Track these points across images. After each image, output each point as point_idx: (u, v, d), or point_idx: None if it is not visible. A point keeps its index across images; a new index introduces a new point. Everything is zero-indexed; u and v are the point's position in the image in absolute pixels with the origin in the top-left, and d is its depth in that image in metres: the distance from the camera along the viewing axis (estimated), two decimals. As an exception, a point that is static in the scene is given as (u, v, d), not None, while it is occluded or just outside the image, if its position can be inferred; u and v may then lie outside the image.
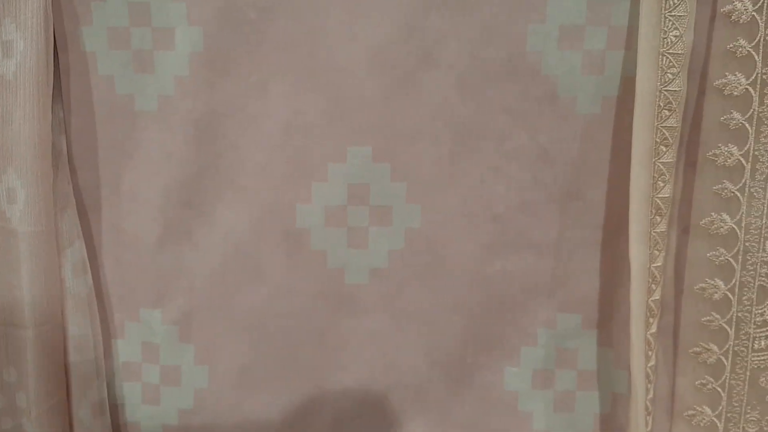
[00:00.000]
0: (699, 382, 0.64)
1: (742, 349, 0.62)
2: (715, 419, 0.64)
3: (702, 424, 0.64)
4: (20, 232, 0.62)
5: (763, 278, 0.61)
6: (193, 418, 0.69)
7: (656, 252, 0.60)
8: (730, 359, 0.62)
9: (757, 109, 0.58)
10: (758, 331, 0.61)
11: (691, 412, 0.65)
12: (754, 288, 0.61)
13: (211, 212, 0.65)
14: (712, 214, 0.60)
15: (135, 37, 0.61)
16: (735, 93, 0.58)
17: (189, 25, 0.60)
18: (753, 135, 0.58)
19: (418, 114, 0.62)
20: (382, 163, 0.63)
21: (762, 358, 0.62)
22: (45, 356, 0.64)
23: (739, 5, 0.56)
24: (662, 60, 0.56)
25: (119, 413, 0.70)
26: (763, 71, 0.57)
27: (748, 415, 0.63)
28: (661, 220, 0.59)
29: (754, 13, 0.56)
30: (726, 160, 0.59)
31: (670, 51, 0.56)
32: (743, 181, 0.59)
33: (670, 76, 0.56)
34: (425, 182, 0.63)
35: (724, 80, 0.58)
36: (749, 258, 0.60)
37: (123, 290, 0.68)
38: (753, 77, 0.57)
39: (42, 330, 0.64)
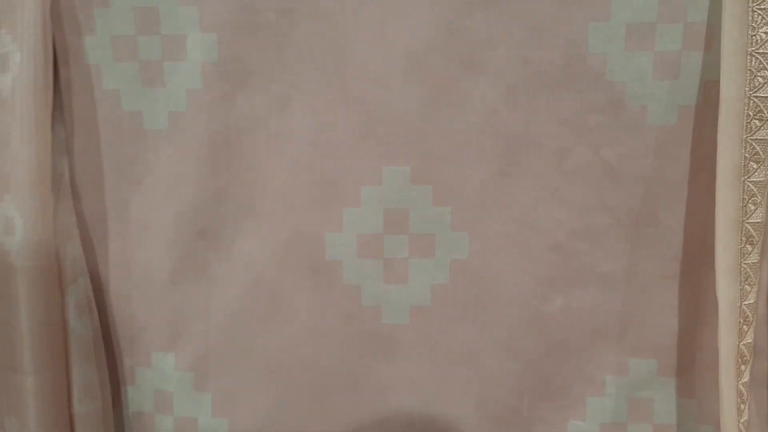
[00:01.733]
0: (800, 440, 0.56)
1: None
2: (820, 484, 0.56)
3: (804, 490, 0.57)
4: (18, 266, 0.59)
5: None
6: (211, 476, 0.65)
7: (747, 287, 0.53)
8: (837, 414, 0.55)
9: None
10: None
11: (791, 475, 0.57)
12: None
13: (229, 243, 0.61)
14: (812, 242, 0.53)
15: (142, 47, 0.58)
16: (841, 99, 0.51)
17: (202, 32, 0.57)
18: None
19: (463, 128, 0.57)
20: (422, 185, 0.59)
21: None
22: (47, 405, 0.61)
23: None
24: (750, 61, 0.49)
25: (129, 469, 0.67)
26: None
27: None
28: (752, 250, 0.52)
29: None
30: (829, 179, 0.52)
31: (760, 50, 0.49)
32: None
33: (760, 80, 0.50)
34: (472, 206, 0.59)
35: (827, 84, 0.51)
36: None
37: (132, 332, 0.64)
38: None
39: (43, 376, 0.60)
